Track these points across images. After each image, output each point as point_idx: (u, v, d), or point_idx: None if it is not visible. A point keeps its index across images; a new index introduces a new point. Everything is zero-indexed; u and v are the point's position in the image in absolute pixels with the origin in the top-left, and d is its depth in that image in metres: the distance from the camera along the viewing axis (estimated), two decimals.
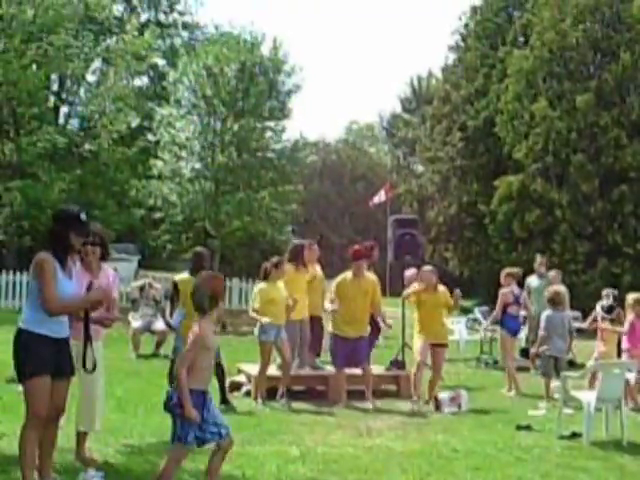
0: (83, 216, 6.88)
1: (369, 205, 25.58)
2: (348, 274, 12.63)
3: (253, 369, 13.29)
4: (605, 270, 30.04)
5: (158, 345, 18.11)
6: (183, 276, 11.93)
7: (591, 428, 9.92)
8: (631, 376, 11.57)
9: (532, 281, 17.57)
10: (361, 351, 12.53)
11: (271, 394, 12.29)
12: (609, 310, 15.33)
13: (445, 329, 13.39)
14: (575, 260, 30.68)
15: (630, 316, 13.27)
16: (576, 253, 30.93)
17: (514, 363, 14.68)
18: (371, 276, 12.74)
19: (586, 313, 19.69)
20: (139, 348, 17.86)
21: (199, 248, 12.76)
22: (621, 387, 10.20)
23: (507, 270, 15.01)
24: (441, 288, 13.09)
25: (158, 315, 18.82)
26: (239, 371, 13.85)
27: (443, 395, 12.38)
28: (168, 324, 12.24)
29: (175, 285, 11.90)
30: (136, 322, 18.40)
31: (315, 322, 13.60)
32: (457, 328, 20.06)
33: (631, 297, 13.42)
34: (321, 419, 11.11)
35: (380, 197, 24.59)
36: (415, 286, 13.24)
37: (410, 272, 15.61)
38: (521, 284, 14.97)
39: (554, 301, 12.82)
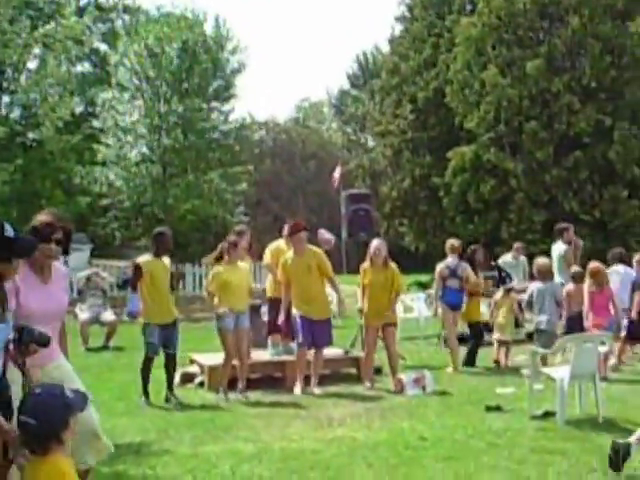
0: (9, 229, 4.73)
1: (333, 186, 25.01)
2: (289, 253, 12.11)
3: (206, 359, 12.65)
4: None
5: (108, 337, 17.52)
6: (146, 258, 11.35)
7: (564, 406, 9.36)
8: (604, 349, 11.05)
9: (558, 248, 16.43)
10: (323, 334, 11.90)
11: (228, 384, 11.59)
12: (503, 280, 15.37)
13: (393, 308, 12.57)
14: (532, 230, 30.34)
15: (589, 286, 12.81)
16: (532, 222, 30.61)
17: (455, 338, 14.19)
18: (313, 248, 12.10)
19: None
20: (88, 341, 17.15)
21: (161, 228, 12.11)
22: (595, 361, 9.64)
23: (449, 242, 14.44)
24: (392, 265, 12.41)
25: (107, 305, 18.24)
26: (191, 361, 13.16)
27: (405, 376, 11.78)
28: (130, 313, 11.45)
29: (137, 267, 11.23)
30: (83, 314, 17.73)
31: None
32: (416, 305, 19.46)
33: (591, 266, 12.99)
34: (278, 410, 10.46)
35: (337, 174, 24.22)
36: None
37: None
38: (462, 257, 14.37)
39: (543, 273, 12.49)
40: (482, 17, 32.12)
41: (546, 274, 12.77)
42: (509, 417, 9.68)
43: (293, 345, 12.51)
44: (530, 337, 15.64)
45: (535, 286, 12.70)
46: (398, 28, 41.75)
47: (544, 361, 11.81)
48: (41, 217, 5.79)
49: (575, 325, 12.65)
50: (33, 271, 5.69)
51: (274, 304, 12.75)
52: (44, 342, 5.05)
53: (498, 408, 10.08)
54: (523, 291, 15.90)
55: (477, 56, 32.40)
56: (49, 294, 5.69)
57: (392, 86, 39.14)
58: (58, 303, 5.81)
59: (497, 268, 18.14)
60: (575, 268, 14.15)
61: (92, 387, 11.88)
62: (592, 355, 9.63)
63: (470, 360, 14.05)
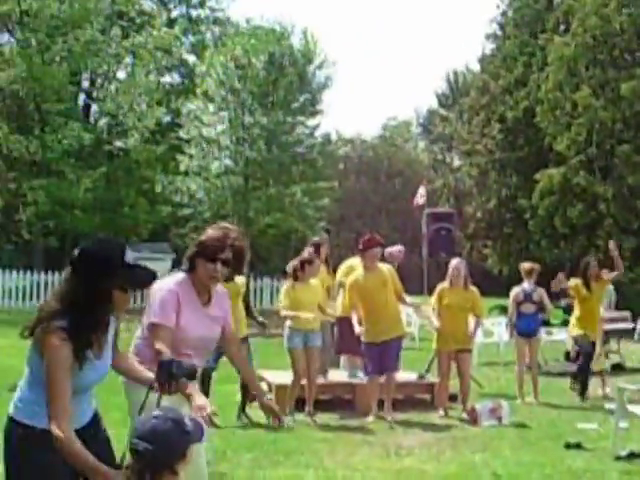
0: (129, 254, 4.01)
1: (414, 206, 24.50)
2: (359, 270, 11.44)
3: (275, 377, 12.22)
4: None
5: None
6: None
7: None
8: None
9: None
10: (390, 354, 11.17)
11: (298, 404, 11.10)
12: None
13: (469, 332, 11.86)
14: (621, 257, 29.33)
15: None
16: (622, 249, 29.64)
17: (537, 368, 13.68)
18: (384, 265, 11.55)
19: (635, 313, 18.75)
20: None
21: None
22: None
23: (522, 265, 13.79)
24: (472, 288, 11.84)
25: None
26: (260, 379, 12.71)
27: (481, 406, 11.15)
28: None
29: None
30: None
31: None
32: (497, 330, 18.80)
33: None
34: (345, 435, 9.96)
35: (421, 194, 23.75)
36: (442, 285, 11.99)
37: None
38: (538, 282, 13.69)
39: None
40: (576, 37, 31.31)
41: None
42: (591, 456, 9.02)
43: (360, 374, 12.04)
44: (615, 369, 14.96)
45: None
46: (489, 47, 41.24)
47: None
48: (211, 231, 5.20)
49: None
50: (196, 291, 5.14)
51: (342, 323, 12.20)
52: (194, 374, 4.36)
53: (579, 445, 9.42)
54: (609, 321, 15.23)
55: (569, 76, 31.59)
56: (207, 319, 5.16)
57: (481, 105, 38.58)
58: (213, 331, 5.22)
59: None
60: None
61: None
62: None
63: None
